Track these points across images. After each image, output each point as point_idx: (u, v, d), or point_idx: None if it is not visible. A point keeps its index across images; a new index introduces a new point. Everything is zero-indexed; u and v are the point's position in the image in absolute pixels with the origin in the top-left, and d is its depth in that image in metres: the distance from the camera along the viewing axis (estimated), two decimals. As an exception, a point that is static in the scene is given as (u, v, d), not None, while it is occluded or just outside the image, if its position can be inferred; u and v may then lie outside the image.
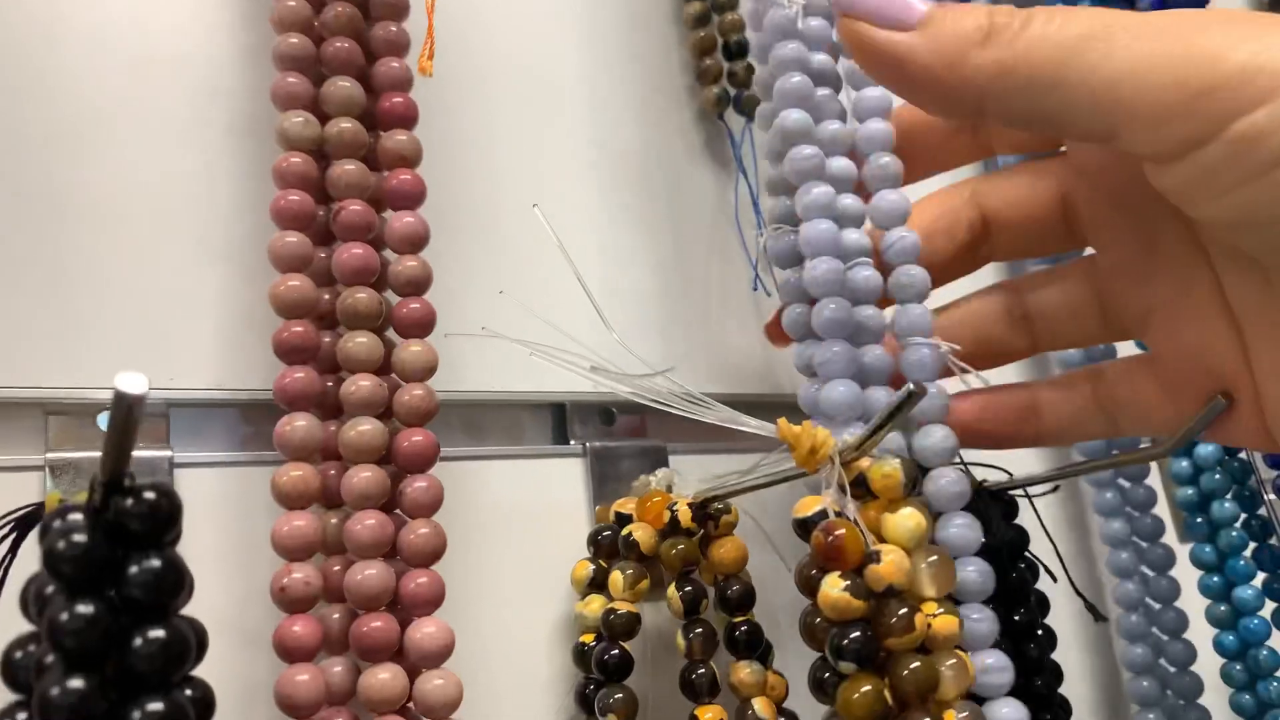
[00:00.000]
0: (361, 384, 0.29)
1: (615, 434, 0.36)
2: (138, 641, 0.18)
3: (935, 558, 0.25)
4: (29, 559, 0.24)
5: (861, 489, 0.26)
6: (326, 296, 0.30)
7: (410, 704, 0.27)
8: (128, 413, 0.17)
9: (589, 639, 0.31)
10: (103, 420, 0.30)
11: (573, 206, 0.38)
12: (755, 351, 0.41)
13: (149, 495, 0.18)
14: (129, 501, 0.18)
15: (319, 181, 0.31)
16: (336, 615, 0.28)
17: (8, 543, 0.23)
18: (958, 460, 0.29)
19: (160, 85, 0.33)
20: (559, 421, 0.36)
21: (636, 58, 0.42)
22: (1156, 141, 0.19)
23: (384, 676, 0.27)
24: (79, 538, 0.18)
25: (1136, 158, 0.21)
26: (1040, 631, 0.35)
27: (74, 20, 0.32)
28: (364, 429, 0.28)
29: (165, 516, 0.18)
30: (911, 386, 0.24)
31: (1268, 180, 0.18)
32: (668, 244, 0.40)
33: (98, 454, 0.29)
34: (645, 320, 0.38)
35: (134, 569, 0.18)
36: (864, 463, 0.26)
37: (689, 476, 0.34)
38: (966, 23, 0.21)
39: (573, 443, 0.36)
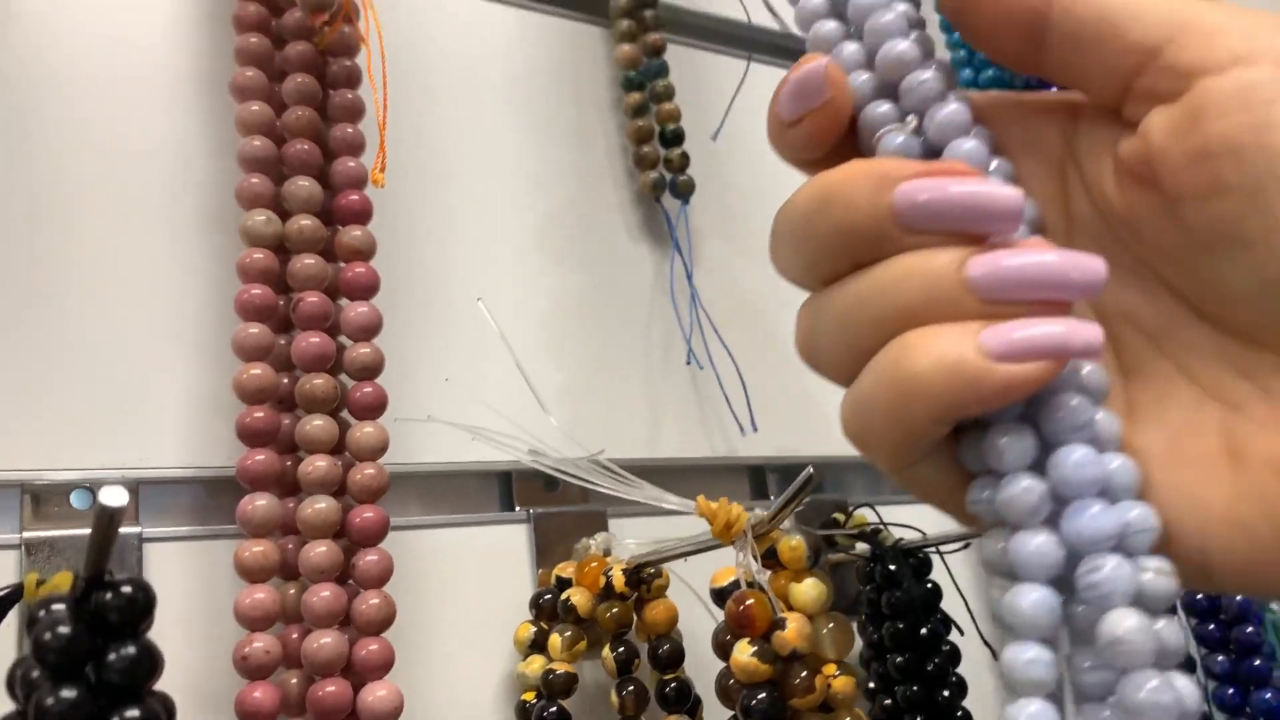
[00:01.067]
0: (318, 464, 0.31)
1: (558, 501, 0.39)
2: (115, 720, 0.20)
3: (834, 624, 0.28)
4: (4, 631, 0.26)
5: (772, 560, 0.29)
6: (286, 380, 0.33)
7: (362, 762, 0.29)
8: (109, 521, 0.20)
9: (530, 697, 0.34)
10: (76, 498, 0.33)
11: (518, 291, 0.41)
12: (691, 417, 0.44)
13: (126, 590, 0.21)
14: (108, 595, 0.21)
15: (280, 274, 0.33)
16: (294, 681, 0.30)
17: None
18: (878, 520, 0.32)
19: (133, 178, 0.35)
20: (505, 490, 0.39)
21: (579, 144, 0.45)
22: (1210, 49, 0.19)
23: (338, 737, 0.29)
24: (64, 629, 0.20)
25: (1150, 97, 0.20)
26: (952, 679, 0.38)
27: (53, 114, 0.34)
28: (319, 507, 0.31)
29: (141, 608, 0.21)
30: (810, 471, 0.26)
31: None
32: (608, 320, 0.43)
33: (72, 532, 0.31)
34: (586, 391, 0.41)
35: (112, 656, 0.20)
36: (775, 535, 0.29)
37: (627, 539, 0.37)
38: None
39: (518, 509, 0.38)
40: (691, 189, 0.45)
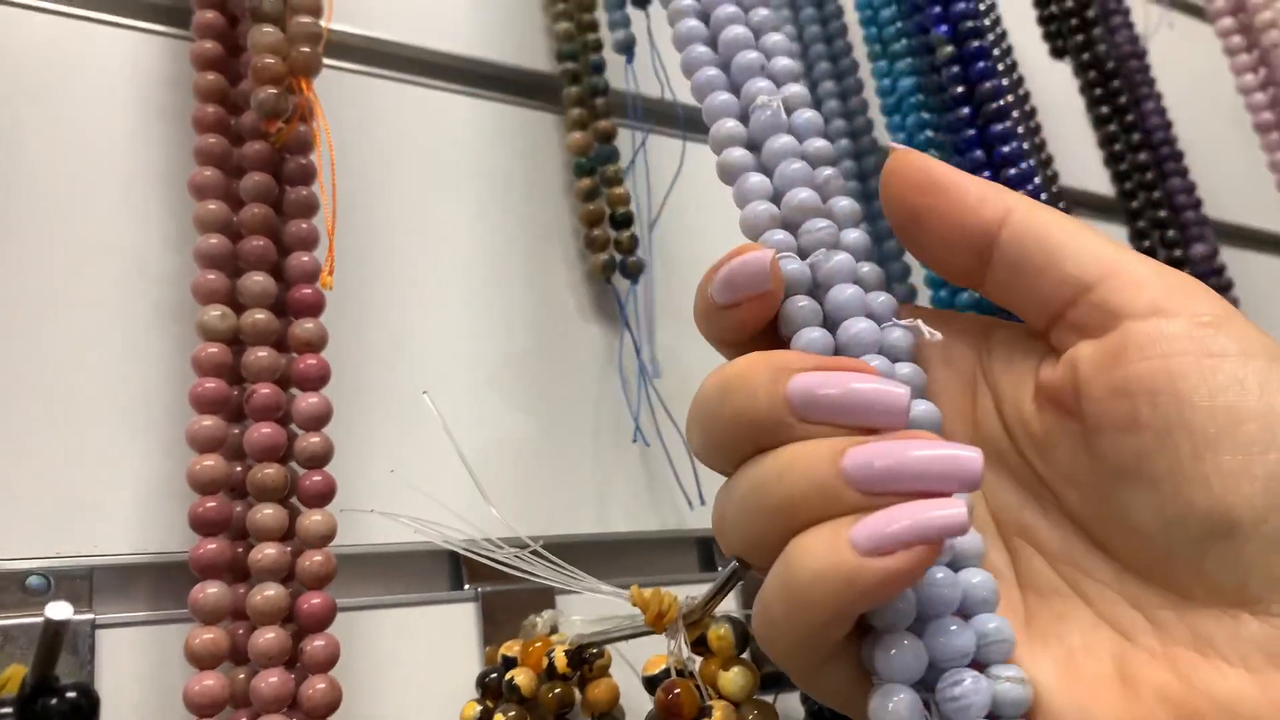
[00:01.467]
0: (268, 551, 0.33)
1: (507, 579, 0.40)
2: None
3: (758, 710, 0.29)
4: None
5: (702, 647, 0.30)
6: (239, 469, 0.34)
7: (306, 847, 0.30)
8: (55, 634, 0.21)
9: (475, 776, 0.34)
10: (33, 582, 0.33)
11: (470, 377, 0.42)
12: (640, 493, 0.45)
13: (71, 695, 0.22)
14: (54, 701, 0.22)
15: (233, 366, 0.35)
16: (241, 768, 0.31)
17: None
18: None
19: (94, 271, 0.36)
20: (455, 568, 0.40)
21: (531, 229, 0.46)
22: (1136, 295, 0.21)
23: (283, 822, 0.30)
24: (9, 735, 0.21)
25: (1075, 329, 0.22)
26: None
27: (16, 209, 0.36)
28: (268, 594, 0.32)
29: (85, 715, 0.22)
30: (736, 563, 0.28)
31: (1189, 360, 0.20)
32: (559, 400, 0.44)
33: (26, 620, 0.32)
34: (537, 472, 0.42)
35: (56, 760, 0.21)
36: (705, 623, 0.30)
37: (575, 616, 0.38)
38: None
39: (467, 587, 0.39)
40: (641, 269, 0.46)
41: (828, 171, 0.24)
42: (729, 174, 0.23)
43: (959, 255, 0.23)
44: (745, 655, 0.30)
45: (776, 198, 0.24)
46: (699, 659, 0.30)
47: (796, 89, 0.24)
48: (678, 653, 0.30)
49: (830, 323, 0.23)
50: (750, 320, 0.23)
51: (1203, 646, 0.20)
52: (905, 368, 0.23)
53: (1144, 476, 0.20)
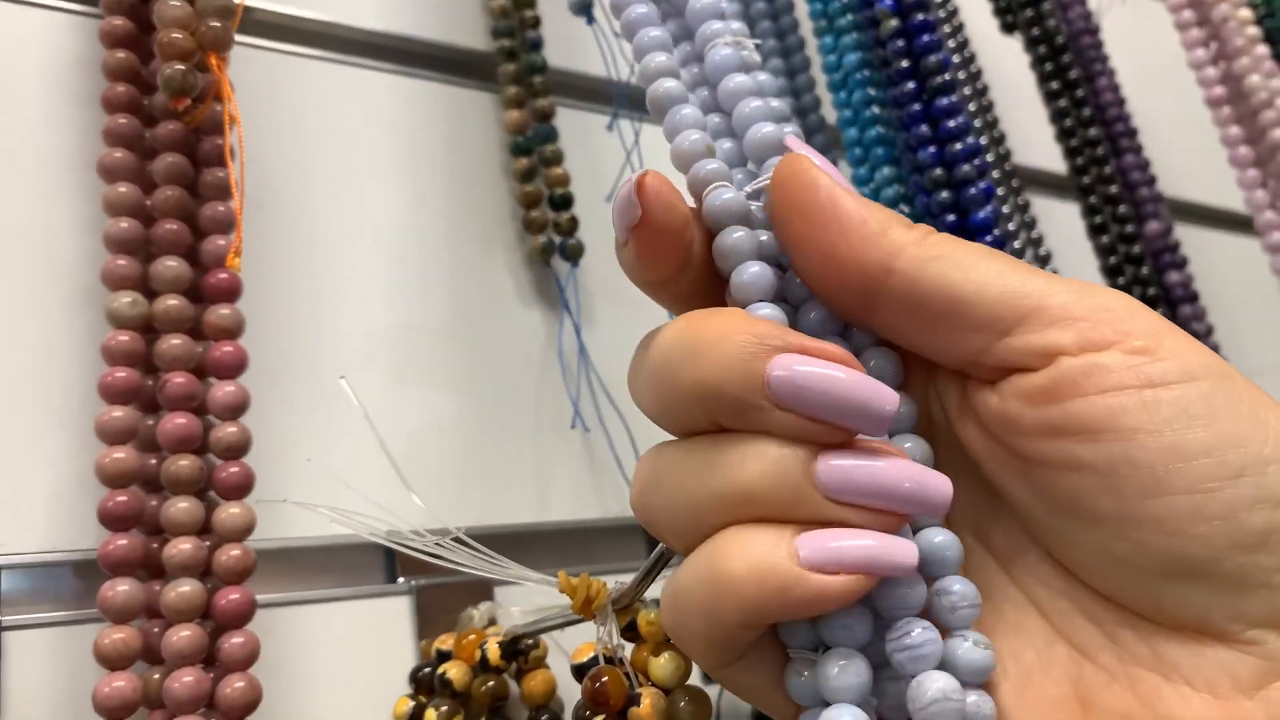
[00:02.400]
0: (182, 547, 0.31)
1: (443, 571, 0.39)
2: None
3: (690, 697, 0.28)
4: None
5: (633, 633, 0.29)
6: (154, 461, 0.33)
7: None
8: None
9: (407, 773, 0.33)
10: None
11: (395, 366, 0.41)
12: (584, 480, 0.44)
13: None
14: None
15: (146, 355, 0.33)
16: (154, 772, 0.30)
17: None
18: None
19: (2, 256, 0.35)
20: (389, 561, 0.39)
21: (466, 210, 0.45)
22: (1061, 332, 0.19)
23: (198, 829, 0.29)
24: None
25: (1003, 367, 0.19)
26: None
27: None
28: (183, 590, 0.31)
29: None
30: (663, 546, 0.27)
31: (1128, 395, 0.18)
32: (496, 386, 0.43)
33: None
34: (474, 461, 0.41)
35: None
36: (636, 608, 0.29)
37: (513, 607, 0.37)
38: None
39: (400, 581, 0.38)
40: (581, 252, 0.45)
41: (789, 127, 0.22)
42: (661, 105, 0.21)
43: (841, 294, 0.20)
44: (676, 641, 0.29)
45: (717, 135, 0.22)
46: (630, 645, 0.29)
47: (753, 45, 0.22)
48: (607, 640, 0.29)
49: (773, 262, 0.21)
50: (661, 259, 0.20)
51: (1165, 669, 0.18)
52: (875, 355, 0.21)
53: (1087, 515, 0.18)
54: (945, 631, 0.19)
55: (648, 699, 0.27)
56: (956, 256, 0.19)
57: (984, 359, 0.19)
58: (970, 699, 0.18)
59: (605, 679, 0.27)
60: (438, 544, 0.30)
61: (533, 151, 0.46)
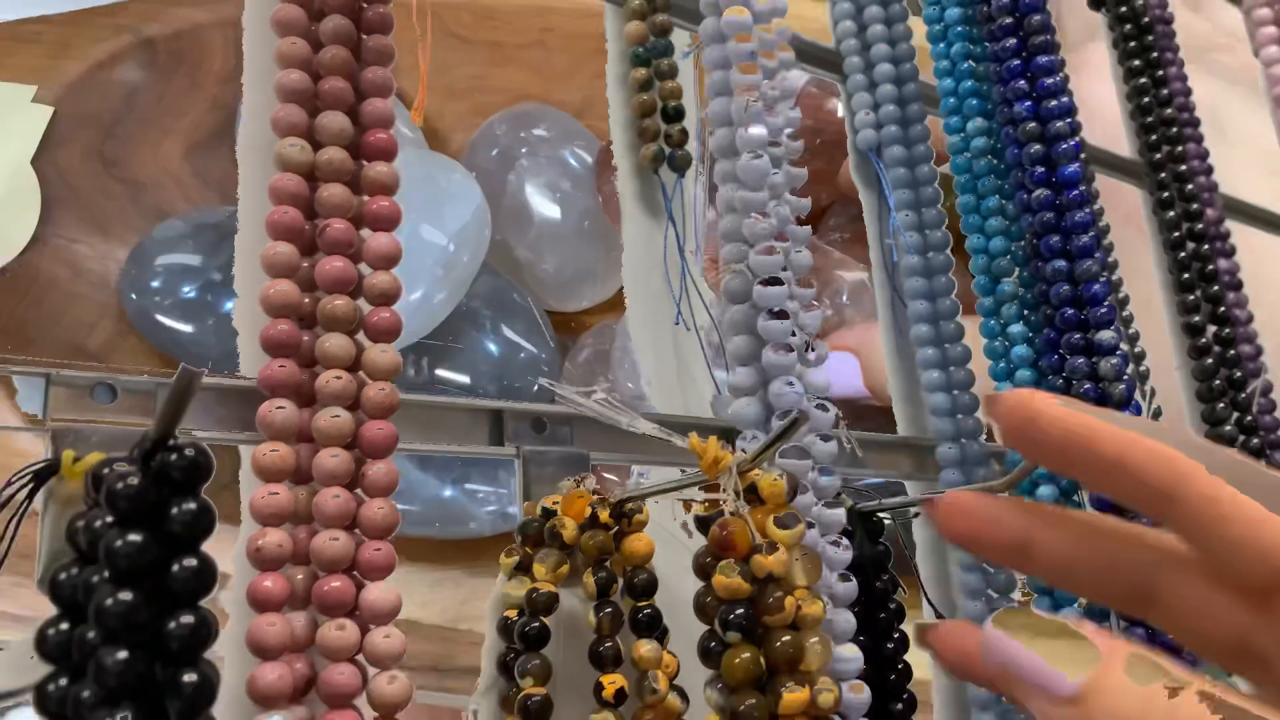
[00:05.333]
0: (335, 379, 0.33)
1: (545, 440, 0.41)
2: (175, 567, 0.22)
3: (804, 555, 0.31)
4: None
5: (753, 495, 0.32)
6: (308, 300, 0.35)
7: (360, 655, 0.32)
8: (187, 385, 0.22)
9: (513, 614, 0.36)
10: (99, 394, 0.34)
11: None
12: (670, 378, 0.46)
13: (189, 452, 0.23)
14: (173, 456, 0.23)
15: (309, 200, 0.35)
16: (300, 576, 0.32)
17: (25, 490, 0.27)
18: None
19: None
20: (496, 427, 0.41)
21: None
22: None
23: (339, 630, 0.31)
24: (134, 480, 0.22)
25: None
26: (896, 635, 0.41)
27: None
28: (335, 417, 0.33)
29: (203, 470, 0.23)
30: (796, 413, 0.29)
31: None
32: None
33: (96, 423, 0.33)
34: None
35: (175, 510, 0.22)
36: (756, 473, 0.32)
37: (607, 482, 0.39)
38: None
39: (507, 444, 0.41)
40: (689, 163, 0.47)
41: None
42: None
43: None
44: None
45: None
46: (748, 506, 0.32)
47: None
48: (730, 498, 0.31)
49: None
50: None
51: None
52: None
53: None
54: None
55: (770, 550, 0.30)
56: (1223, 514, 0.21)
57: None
58: None
59: (732, 528, 0.30)
60: (588, 395, 0.32)
61: (649, 63, 0.48)
